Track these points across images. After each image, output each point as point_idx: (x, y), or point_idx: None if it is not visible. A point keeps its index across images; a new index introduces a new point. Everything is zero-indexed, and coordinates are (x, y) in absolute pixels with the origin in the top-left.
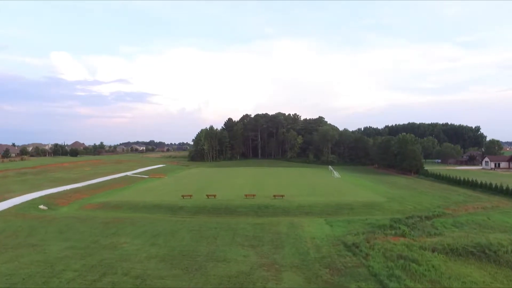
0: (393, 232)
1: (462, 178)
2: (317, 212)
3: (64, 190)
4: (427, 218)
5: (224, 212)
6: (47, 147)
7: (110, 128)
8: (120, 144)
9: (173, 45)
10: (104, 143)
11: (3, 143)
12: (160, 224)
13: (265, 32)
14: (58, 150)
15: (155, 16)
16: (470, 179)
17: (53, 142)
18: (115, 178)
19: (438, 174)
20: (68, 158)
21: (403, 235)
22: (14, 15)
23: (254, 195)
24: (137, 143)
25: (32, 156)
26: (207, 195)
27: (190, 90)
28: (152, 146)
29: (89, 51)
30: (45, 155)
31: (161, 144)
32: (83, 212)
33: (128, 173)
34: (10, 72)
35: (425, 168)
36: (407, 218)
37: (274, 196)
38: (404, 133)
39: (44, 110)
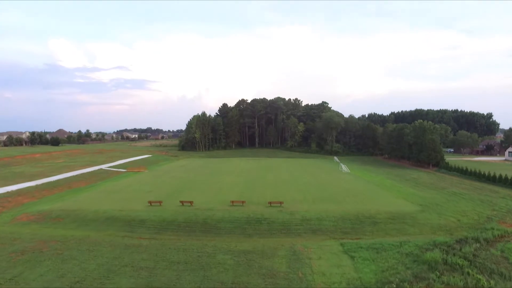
0: (455, 277)
1: (497, 175)
2: (329, 229)
3: (7, 192)
4: (488, 241)
5: (200, 230)
6: (23, 136)
7: (110, 115)
8: (118, 131)
9: (173, 31)
10: (103, 131)
11: None
12: (101, 254)
13: (266, 18)
14: (36, 139)
15: (155, 1)
16: (510, 177)
17: (54, 130)
18: (83, 174)
19: (463, 168)
20: (45, 148)
21: (477, 286)
22: (12, 0)
23: (243, 202)
24: (134, 130)
25: (5, 145)
26: (182, 202)
27: (191, 77)
28: (146, 134)
29: (88, 37)
30: (22, 145)
31: (157, 131)
32: (8, 228)
33: (103, 166)
34: (8, 59)
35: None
36: (459, 242)
37: (270, 203)
38: (421, 120)
39: (44, 98)
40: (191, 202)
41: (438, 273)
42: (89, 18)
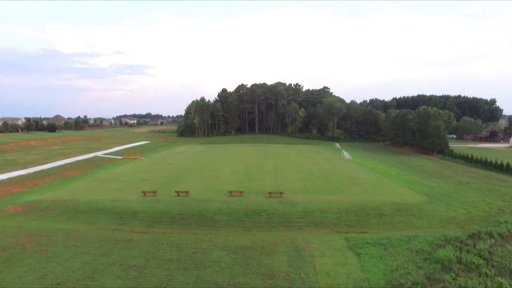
0: (473, 279)
1: (504, 163)
2: (332, 222)
3: None
4: (502, 236)
5: (195, 222)
6: (19, 122)
7: (110, 101)
8: (117, 116)
9: (172, 15)
10: (103, 117)
11: None
12: (88, 251)
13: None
14: (32, 125)
15: None
16: None
17: (52, 116)
18: (78, 161)
19: (468, 155)
20: (41, 135)
21: None
22: None
23: (241, 192)
24: (134, 116)
25: (0, 132)
26: (177, 192)
27: (190, 62)
28: (145, 119)
29: (86, 22)
30: (17, 131)
31: (157, 117)
32: None
33: (99, 153)
34: (6, 45)
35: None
36: (471, 237)
37: (270, 193)
38: (425, 106)
39: (41, 83)
40: (186, 192)
41: (453, 274)
42: (87, 2)
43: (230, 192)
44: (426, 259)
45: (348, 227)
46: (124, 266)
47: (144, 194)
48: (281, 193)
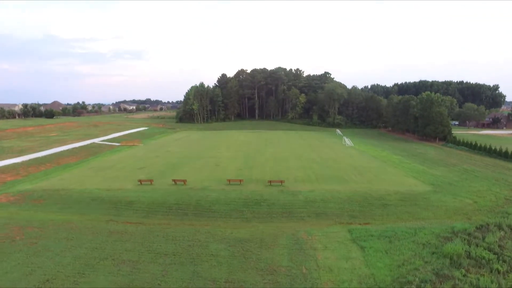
0: (484, 276)
1: (509, 150)
2: (335, 212)
3: None
4: (511, 228)
5: (193, 213)
6: (16, 108)
7: (109, 87)
8: (117, 102)
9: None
10: (102, 102)
11: None
12: (80, 244)
13: None
14: (29, 112)
15: None
16: None
17: (50, 102)
18: (74, 148)
19: (472, 143)
20: (38, 121)
21: None
22: None
23: (240, 181)
24: (133, 101)
25: None
26: (174, 180)
27: (191, 47)
28: (144, 105)
29: (86, 6)
30: (14, 117)
31: (157, 103)
32: None
33: (96, 140)
34: (5, 30)
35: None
36: (479, 229)
37: (270, 182)
38: (428, 92)
39: (40, 69)
40: (184, 181)
41: (463, 271)
42: None
43: (229, 180)
44: (433, 253)
45: (351, 218)
46: (116, 261)
47: (141, 182)
48: (281, 181)
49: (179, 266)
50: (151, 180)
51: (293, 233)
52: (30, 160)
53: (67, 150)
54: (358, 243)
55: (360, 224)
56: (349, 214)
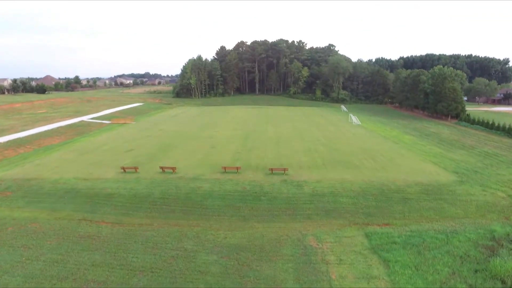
0: None
1: None
2: (347, 209)
3: None
4: None
5: (181, 209)
6: (5, 83)
7: (106, 60)
8: (114, 76)
9: None
10: (100, 76)
11: None
12: (37, 255)
13: None
14: (19, 87)
15: None
16: None
17: (42, 76)
18: (60, 127)
19: (488, 121)
20: (28, 97)
21: None
22: None
23: (237, 168)
24: (132, 75)
25: None
26: (162, 168)
27: (190, 17)
28: (142, 79)
29: None
30: (3, 93)
31: (155, 76)
32: None
33: (85, 118)
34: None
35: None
36: None
37: (271, 170)
38: (440, 66)
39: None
40: (173, 168)
41: None
42: None
43: (225, 168)
44: (476, 271)
45: (367, 216)
46: (78, 282)
47: (124, 170)
48: (284, 169)
49: None
50: (136, 168)
51: (299, 238)
52: (9, 141)
53: (52, 129)
54: (380, 254)
55: (378, 225)
56: (364, 211)
